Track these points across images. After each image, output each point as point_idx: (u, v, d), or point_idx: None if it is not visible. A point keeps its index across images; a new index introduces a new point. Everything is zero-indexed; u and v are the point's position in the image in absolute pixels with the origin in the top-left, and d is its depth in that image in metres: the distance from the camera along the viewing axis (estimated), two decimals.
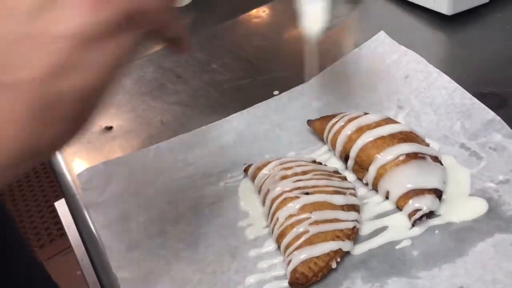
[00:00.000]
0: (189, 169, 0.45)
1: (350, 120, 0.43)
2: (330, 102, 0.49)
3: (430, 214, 0.37)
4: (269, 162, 0.42)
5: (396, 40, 0.52)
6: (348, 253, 0.36)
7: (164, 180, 0.45)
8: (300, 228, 0.35)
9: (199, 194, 0.43)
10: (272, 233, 0.38)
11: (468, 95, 0.44)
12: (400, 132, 0.40)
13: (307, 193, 0.37)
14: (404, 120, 0.45)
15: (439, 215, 0.37)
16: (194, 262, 0.38)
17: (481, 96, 0.46)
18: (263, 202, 0.40)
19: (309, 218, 0.36)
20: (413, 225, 0.36)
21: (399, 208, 0.38)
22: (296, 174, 0.39)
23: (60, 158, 0.51)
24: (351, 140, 0.41)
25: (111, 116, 0.55)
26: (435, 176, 0.38)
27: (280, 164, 0.41)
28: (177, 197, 0.43)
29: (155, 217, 0.42)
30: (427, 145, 0.41)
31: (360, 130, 0.41)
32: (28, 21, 0.22)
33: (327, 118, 0.45)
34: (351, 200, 0.38)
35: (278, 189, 0.38)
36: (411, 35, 0.57)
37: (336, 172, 0.41)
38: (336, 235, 0.35)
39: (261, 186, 0.41)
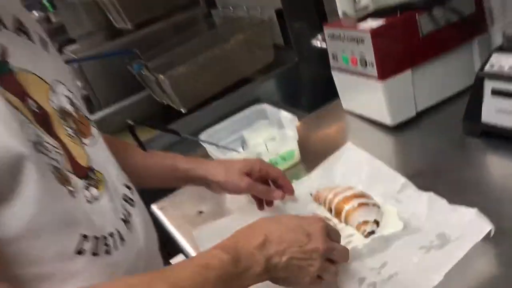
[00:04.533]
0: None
1: (330, 191, 0.81)
2: (322, 183, 0.88)
3: (372, 232, 0.72)
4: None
5: (361, 141, 0.92)
6: None
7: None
8: None
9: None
10: None
11: (394, 172, 0.81)
12: (355, 193, 0.78)
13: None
14: (362, 187, 0.82)
15: (378, 232, 0.73)
16: None
17: (410, 172, 0.84)
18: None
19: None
20: (365, 237, 0.72)
21: (357, 230, 0.74)
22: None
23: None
24: (331, 201, 0.79)
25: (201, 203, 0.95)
26: (373, 213, 0.74)
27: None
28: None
29: None
30: (371, 198, 0.78)
31: (335, 195, 0.79)
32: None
33: (319, 192, 0.83)
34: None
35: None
36: (370, 138, 0.98)
37: (326, 218, 0.78)
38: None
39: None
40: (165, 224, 0.95)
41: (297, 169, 0.97)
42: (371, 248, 0.70)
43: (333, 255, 0.60)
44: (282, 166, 0.96)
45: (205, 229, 0.85)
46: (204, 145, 0.98)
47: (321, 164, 0.92)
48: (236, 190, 0.79)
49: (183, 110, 1.55)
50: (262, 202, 0.84)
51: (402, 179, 0.79)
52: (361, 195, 0.78)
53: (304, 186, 0.89)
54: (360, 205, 0.75)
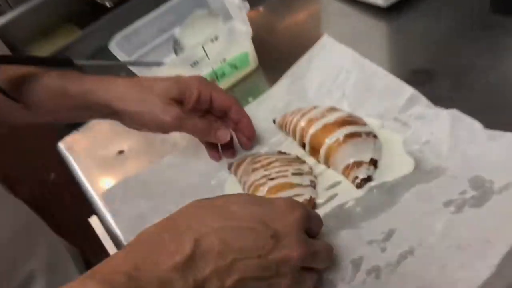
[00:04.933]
0: (186, 175, 0.57)
1: (302, 115, 0.54)
2: (291, 101, 0.60)
3: (369, 179, 0.47)
4: (245, 159, 0.54)
5: (343, 32, 0.63)
6: None
7: (172, 188, 0.57)
8: None
9: (197, 194, 0.55)
10: None
11: (395, 79, 0.54)
12: (340, 117, 0.51)
13: (272, 179, 0.48)
14: (349, 106, 0.56)
15: (377, 178, 0.48)
16: None
17: (413, 73, 0.57)
18: (244, 191, 0.52)
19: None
20: (358, 187, 0.47)
21: (345, 177, 0.49)
22: (263, 166, 0.50)
23: (86, 181, 0.64)
24: (304, 131, 0.52)
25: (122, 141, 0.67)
26: (369, 149, 0.49)
27: (252, 160, 0.52)
28: (182, 200, 0.55)
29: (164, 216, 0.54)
30: (364, 124, 0.51)
31: (310, 122, 0.52)
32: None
33: (286, 116, 0.56)
34: (307, 178, 0.49)
35: (250, 179, 0.50)
36: (356, 26, 0.68)
37: (296, 158, 0.52)
38: None
39: (240, 178, 0.52)
40: (75, 171, 0.68)
41: (253, 81, 0.68)
42: (368, 206, 0.46)
43: (313, 262, 0.36)
44: (231, 78, 0.68)
45: (119, 187, 0.59)
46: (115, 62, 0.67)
47: (287, 72, 0.64)
48: (158, 127, 0.51)
49: (108, 4, 1.20)
50: (215, 149, 0.57)
51: (408, 90, 0.53)
52: (349, 120, 0.51)
53: (263, 107, 0.61)
54: (348, 136, 0.49)
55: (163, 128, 0.51)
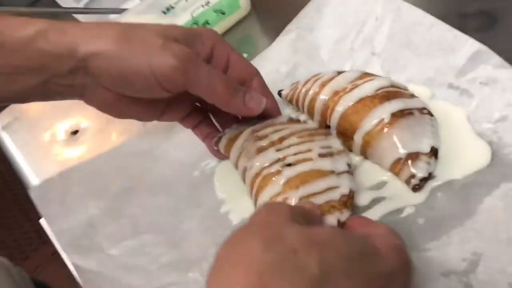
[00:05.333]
0: (158, 165, 0.42)
1: (323, 85, 0.38)
2: (298, 63, 0.44)
3: (429, 177, 0.33)
4: (241, 132, 0.37)
5: None
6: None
7: (131, 181, 0.41)
8: None
9: (173, 190, 0.40)
10: None
11: (447, 27, 0.39)
12: (381, 89, 0.36)
13: (289, 164, 0.33)
14: (382, 69, 0.41)
15: (439, 174, 0.34)
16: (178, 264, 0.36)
17: (466, 17, 0.42)
18: (243, 181, 0.36)
19: (297, 194, 0.32)
20: (415, 190, 0.33)
21: (394, 175, 0.35)
22: (273, 144, 0.35)
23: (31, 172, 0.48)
24: (328, 108, 0.37)
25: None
26: (426, 132, 0.34)
27: (253, 133, 0.36)
28: (149, 198, 0.40)
29: (126, 222, 0.39)
30: (412, 95, 0.37)
31: (336, 95, 0.37)
32: None
33: (298, 86, 0.41)
34: (341, 161, 0.34)
35: (256, 166, 0.34)
36: None
37: (319, 129, 0.37)
38: (331, 206, 0.32)
39: (237, 162, 0.37)
40: (14, 157, 0.51)
41: (245, 31, 0.51)
42: (434, 217, 0.32)
43: None
44: (217, 28, 0.51)
45: (57, 182, 0.42)
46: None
47: (292, 22, 0.47)
48: (151, 83, 0.30)
49: None
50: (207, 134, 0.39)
51: (470, 43, 0.38)
52: (394, 91, 0.36)
53: (265, 69, 0.45)
54: (397, 116, 0.34)
55: (161, 84, 0.30)
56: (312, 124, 0.38)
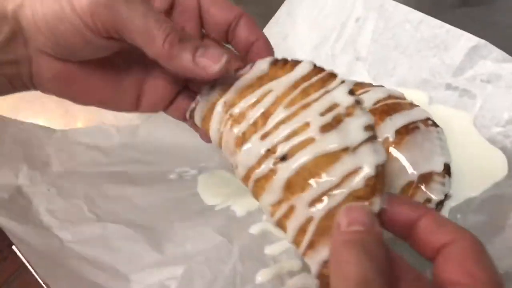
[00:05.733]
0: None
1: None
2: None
3: (445, 197, 0.30)
4: (214, 103, 0.27)
5: None
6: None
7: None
8: (299, 219, 0.22)
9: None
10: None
11: (438, 22, 0.35)
12: (378, 103, 0.32)
13: (283, 158, 0.23)
14: (369, 74, 0.36)
15: (455, 193, 0.30)
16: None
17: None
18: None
19: (304, 200, 0.22)
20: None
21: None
22: (255, 127, 0.24)
23: None
24: None
25: None
26: (436, 148, 0.30)
27: (227, 108, 0.26)
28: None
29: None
30: (411, 104, 0.33)
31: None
32: None
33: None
34: (354, 126, 0.22)
35: (241, 168, 0.24)
36: None
37: (313, 70, 0.25)
38: (357, 197, 0.21)
39: (222, 149, 0.27)
40: None
41: None
42: None
43: None
44: None
45: None
46: None
47: (265, 29, 0.42)
48: (80, 18, 0.23)
49: None
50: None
51: (467, 38, 0.34)
52: (393, 104, 0.32)
53: None
54: (403, 132, 0.30)
55: (86, 24, 0.23)
56: (304, 67, 0.25)
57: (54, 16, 0.24)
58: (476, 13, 0.37)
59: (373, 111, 0.31)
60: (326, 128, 0.22)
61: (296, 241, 0.22)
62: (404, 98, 0.33)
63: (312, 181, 0.22)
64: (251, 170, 0.24)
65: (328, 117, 0.23)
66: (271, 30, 0.41)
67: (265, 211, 0.24)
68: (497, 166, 0.30)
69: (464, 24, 0.35)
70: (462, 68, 0.34)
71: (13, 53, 0.25)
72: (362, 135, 0.22)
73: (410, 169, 0.30)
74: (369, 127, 0.22)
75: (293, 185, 0.23)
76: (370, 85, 0.34)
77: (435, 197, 0.29)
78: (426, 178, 0.30)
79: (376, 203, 0.21)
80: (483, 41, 0.33)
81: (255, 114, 0.24)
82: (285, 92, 0.24)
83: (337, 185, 0.22)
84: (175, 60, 0.24)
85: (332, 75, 0.24)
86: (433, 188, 0.29)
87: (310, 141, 0.22)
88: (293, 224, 0.22)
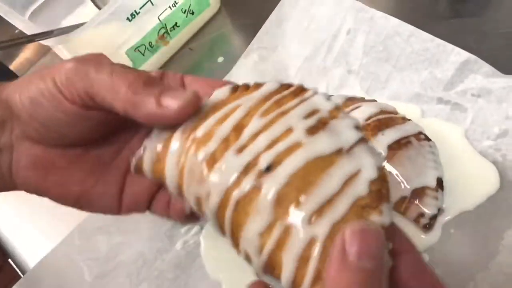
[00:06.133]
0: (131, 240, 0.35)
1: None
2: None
3: (439, 211, 0.30)
4: (168, 140, 0.22)
5: None
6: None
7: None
8: (297, 244, 0.18)
9: (154, 271, 0.34)
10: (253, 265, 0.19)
11: (428, 36, 0.35)
12: (370, 118, 0.32)
13: (268, 169, 0.19)
14: (361, 88, 0.36)
15: (448, 207, 0.30)
16: None
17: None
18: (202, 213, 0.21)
19: (301, 216, 0.18)
20: (425, 229, 0.29)
21: (400, 214, 0.31)
22: (227, 143, 0.20)
23: None
24: None
25: None
26: (429, 163, 0.30)
27: (187, 134, 0.21)
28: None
29: None
30: (404, 119, 0.33)
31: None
32: None
33: None
34: (343, 125, 0.20)
35: (215, 195, 0.19)
36: None
37: (279, 90, 0.21)
38: (362, 207, 0.18)
39: (180, 190, 0.22)
40: None
41: (217, 30, 0.45)
42: (452, 261, 0.28)
43: None
44: (187, 30, 0.45)
45: None
46: None
47: (252, 42, 0.42)
48: (57, 88, 0.23)
49: None
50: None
51: (457, 52, 0.34)
52: (385, 119, 0.32)
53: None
54: (395, 148, 0.30)
55: (62, 92, 0.24)
56: (271, 85, 0.21)
57: (38, 92, 0.24)
58: (468, 24, 0.37)
59: (365, 127, 0.31)
60: (312, 130, 0.19)
61: (298, 278, 0.18)
62: (397, 113, 0.33)
63: (307, 192, 0.18)
64: (228, 192, 0.19)
65: (313, 119, 0.19)
66: (260, 41, 0.40)
67: (252, 251, 0.19)
68: (490, 180, 0.30)
69: (456, 35, 0.36)
70: (453, 83, 0.34)
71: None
72: (354, 134, 0.19)
73: (403, 184, 0.29)
74: (359, 128, 0.20)
75: (284, 200, 0.18)
76: (362, 99, 0.33)
77: (428, 211, 0.29)
78: (419, 192, 0.29)
79: (386, 213, 0.18)
80: (473, 56, 0.33)
81: (224, 129, 0.20)
82: (257, 104, 0.21)
83: (338, 193, 0.18)
84: (140, 106, 0.22)
85: (303, 89, 0.21)
86: (426, 203, 0.29)
87: (297, 145, 0.19)
88: (291, 254, 0.17)
